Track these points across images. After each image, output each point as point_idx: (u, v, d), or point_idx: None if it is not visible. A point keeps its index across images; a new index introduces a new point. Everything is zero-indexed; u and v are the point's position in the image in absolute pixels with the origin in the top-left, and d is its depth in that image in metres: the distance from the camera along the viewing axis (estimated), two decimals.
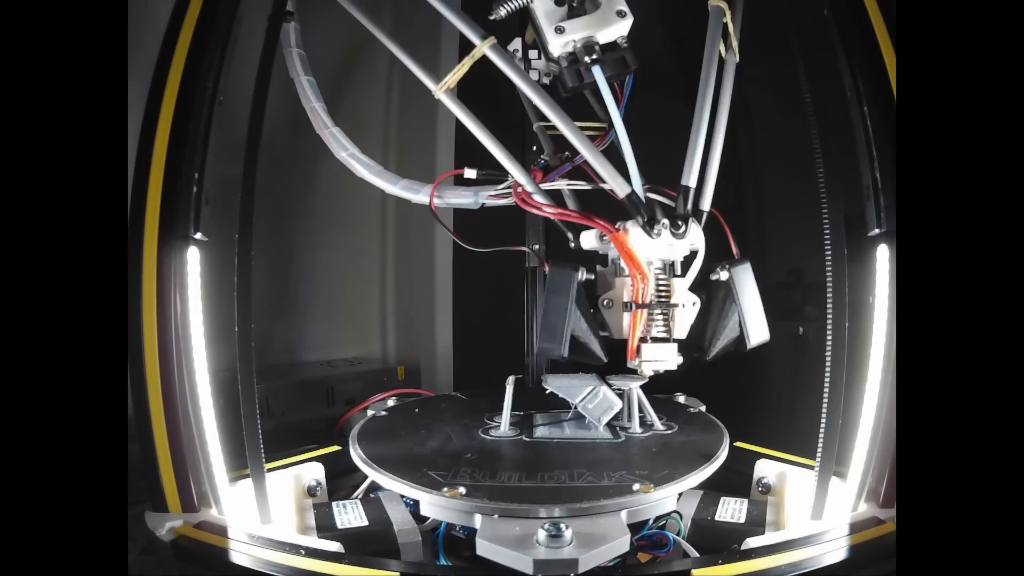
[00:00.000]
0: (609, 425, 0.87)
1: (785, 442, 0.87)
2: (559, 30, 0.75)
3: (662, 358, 0.75)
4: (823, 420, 0.70)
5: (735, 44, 0.79)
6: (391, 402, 1.05)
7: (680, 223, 0.74)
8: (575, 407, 0.86)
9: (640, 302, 0.74)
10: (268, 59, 0.78)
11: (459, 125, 0.82)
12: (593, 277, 0.79)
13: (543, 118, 0.84)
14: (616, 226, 0.76)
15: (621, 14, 0.75)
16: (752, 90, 1.30)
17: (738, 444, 0.88)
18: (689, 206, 0.75)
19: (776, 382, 1.27)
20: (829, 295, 0.69)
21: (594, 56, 0.74)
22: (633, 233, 0.74)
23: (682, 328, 0.77)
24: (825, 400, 0.70)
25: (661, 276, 0.77)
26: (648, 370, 0.76)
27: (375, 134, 1.41)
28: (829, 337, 0.69)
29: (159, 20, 0.80)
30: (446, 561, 0.73)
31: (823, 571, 0.61)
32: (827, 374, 0.69)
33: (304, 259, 1.37)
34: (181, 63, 0.77)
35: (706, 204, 0.77)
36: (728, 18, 0.77)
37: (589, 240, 0.80)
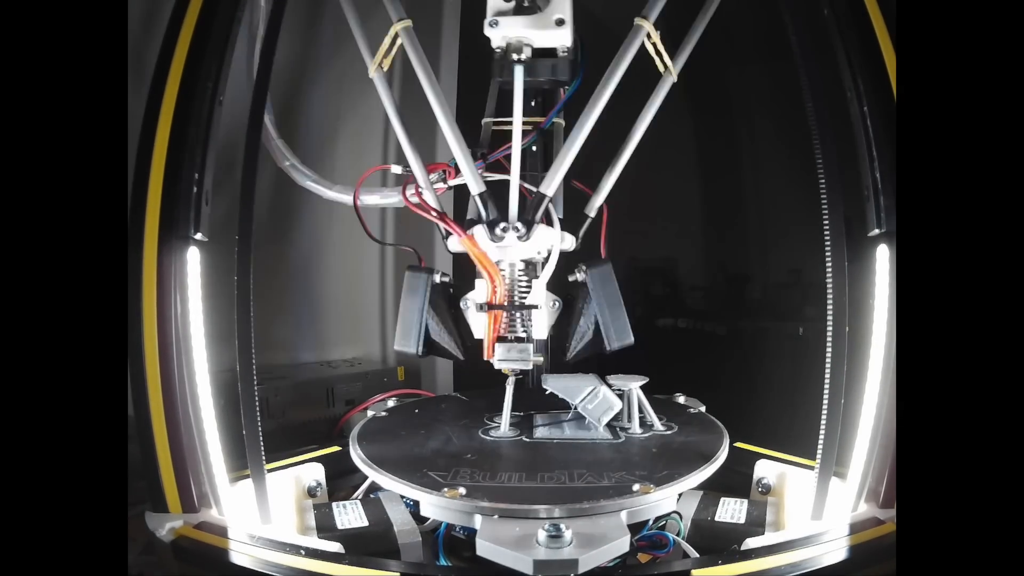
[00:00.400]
0: (609, 425, 0.87)
1: (785, 442, 0.87)
2: (493, 23, 0.75)
3: (517, 358, 0.78)
4: (823, 420, 0.70)
5: (669, 63, 0.79)
6: (391, 403, 1.05)
7: (520, 227, 0.75)
8: (575, 407, 0.86)
9: (493, 303, 0.77)
10: (268, 58, 0.78)
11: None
12: (448, 279, 0.81)
13: (497, 115, 0.86)
14: (468, 231, 0.77)
15: (559, 22, 0.75)
16: (752, 90, 1.30)
17: (738, 444, 0.88)
18: (539, 214, 0.76)
19: (776, 382, 1.27)
20: (829, 295, 0.69)
21: (520, 57, 0.74)
22: (478, 235, 0.76)
23: (540, 329, 0.79)
24: (825, 400, 0.70)
25: (523, 277, 0.78)
26: (503, 368, 0.79)
27: (375, 135, 1.41)
28: (829, 337, 0.69)
29: (159, 20, 0.80)
30: (446, 561, 0.73)
31: (823, 571, 0.61)
32: (827, 374, 0.69)
33: (304, 259, 1.37)
34: (181, 63, 0.77)
35: (592, 210, 0.80)
36: (656, 38, 0.76)
37: (454, 242, 0.81)
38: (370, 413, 0.99)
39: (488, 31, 0.75)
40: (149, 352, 0.72)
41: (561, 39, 0.76)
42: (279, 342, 1.34)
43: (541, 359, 0.79)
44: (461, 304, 0.80)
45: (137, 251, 0.73)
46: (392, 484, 0.73)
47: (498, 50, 0.77)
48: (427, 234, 1.37)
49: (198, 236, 0.75)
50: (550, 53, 0.77)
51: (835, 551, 0.64)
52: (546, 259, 0.79)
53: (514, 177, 0.75)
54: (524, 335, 0.79)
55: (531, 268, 0.79)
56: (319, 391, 1.24)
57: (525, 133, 0.81)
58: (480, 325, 0.79)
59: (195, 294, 0.74)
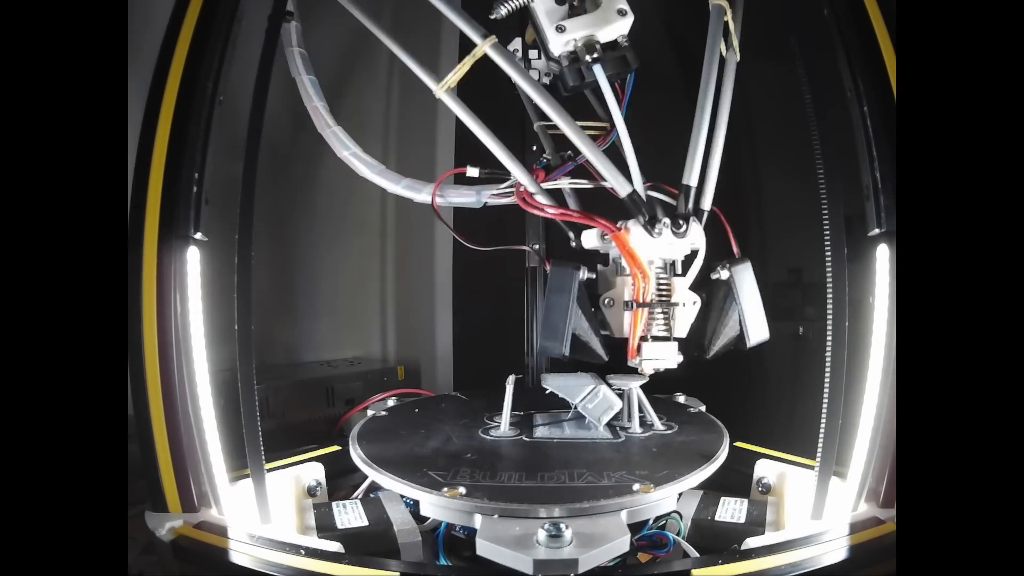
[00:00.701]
0: (609, 425, 0.87)
1: (785, 442, 0.87)
2: (560, 29, 0.75)
3: (662, 356, 0.76)
4: (823, 420, 0.70)
5: (736, 43, 0.79)
6: (391, 402, 1.05)
7: (681, 222, 0.74)
8: (575, 407, 0.86)
9: (641, 301, 0.75)
10: (268, 59, 0.78)
11: (459, 124, 0.82)
12: (594, 276, 0.79)
13: (543, 117, 0.84)
14: (617, 225, 0.76)
15: (622, 12, 0.75)
16: (752, 90, 1.30)
17: (738, 444, 0.88)
18: (690, 205, 0.75)
19: (776, 382, 1.27)
20: (829, 295, 0.69)
21: (595, 55, 0.74)
22: (634, 232, 0.75)
23: (682, 327, 0.77)
24: (825, 400, 0.70)
25: (662, 275, 0.77)
26: (649, 368, 0.76)
27: (375, 133, 1.42)
28: (829, 337, 0.69)
29: (159, 20, 0.80)
30: (446, 561, 0.73)
31: (823, 571, 0.61)
32: (827, 374, 0.69)
33: (304, 259, 1.37)
34: (181, 63, 0.77)
35: (707, 203, 0.77)
36: (729, 17, 0.77)
37: (590, 239, 0.80)
38: (370, 412, 0.99)
39: (553, 39, 0.75)
40: (149, 352, 0.72)
41: (623, 29, 0.76)
42: (279, 342, 1.34)
43: (682, 358, 0.77)
44: (602, 302, 0.78)
45: (137, 251, 0.73)
46: (392, 483, 0.73)
47: (563, 56, 0.76)
48: (426, 232, 1.38)
49: (198, 236, 0.75)
50: (611, 46, 0.76)
51: (835, 551, 0.64)
52: (689, 257, 0.78)
53: (635, 175, 0.75)
54: (666, 334, 0.77)
55: (667, 266, 0.78)
56: (319, 391, 1.24)
57: (595, 135, 0.81)
58: (626, 324, 0.77)
59: (195, 294, 0.74)
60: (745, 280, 0.76)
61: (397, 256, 1.46)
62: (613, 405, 0.84)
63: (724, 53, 0.78)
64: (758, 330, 0.76)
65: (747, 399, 1.20)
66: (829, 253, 0.69)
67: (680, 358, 0.77)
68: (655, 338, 0.76)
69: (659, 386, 0.90)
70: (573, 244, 0.83)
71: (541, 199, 0.81)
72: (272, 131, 0.97)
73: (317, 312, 1.39)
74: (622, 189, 0.75)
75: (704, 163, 0.76)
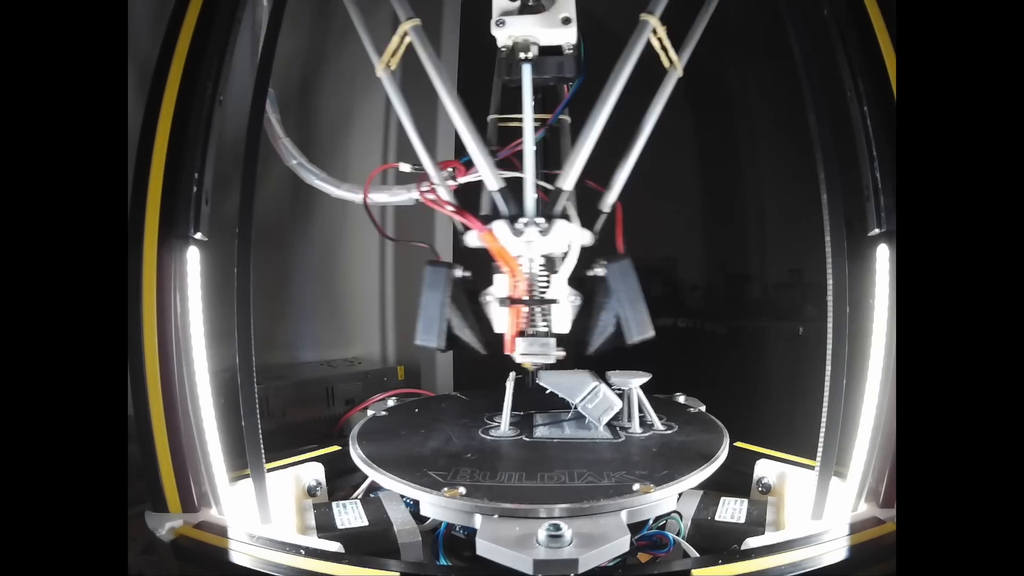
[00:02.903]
0: (609, 425, 0.87)
1: (785, 442, 0.87)
2: (500, 23, 0.75)
3: (539, 352, 0.78)
4: (823, 420, 0.70)
5: (675, 58, 0.79)
6: (391, 402, 1.05)
7: (543, 222, 0.76)
8: (575, 407, 0.86)
9: (514, 297, 0.77)
10: (268, 58, 0.78)
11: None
12: (469, 275, 0.81)
13: (502, 111, 0.87)
14: (488, 225, 0.77)
15: (566, 21, 0.76)
16: (753, 90, 1.30)
17: (738, 444, 0.88)
18: (560, 207, 0.77)
19: (776, 382, 1.27)
20: (829, 295, 0.69)
21: (527, 55, 0.74)
22: (498, 230, 0.76)
23: (561, 323, 0.79)
24: (825, 400, 0.70)
25: (543, 272, 0.79)
26: (526, 363, 0.79)
27: (374, 133, 1.42)
28: (829, 337, 0.69)
29: (159, 21, 0.80)
30: (446, 561, 0.73)
31: (823, 571, 0.61)
32: (827, 374, 0.69)
33: (304, 259, 1.37)
34: (181, 63, 0.77)
35: (607, 206, 0.79)
36: (661, 33, 0.77)
37: (472, 238, 0.81)
38: (370, 412, 0.99)
39: (495, 30, 0.75)
40: (149, 352, 0.72)
41: (567, 37, 0.76)
42: (279, 342, 1.34)
43: (563, 353, 0.79)
44: (481, 299, 0.80)
45: (137, 251, 0.73)
46: (392, 484, 0.73)
47: (503, 49, 0.77)
48: (426, 231, 1.38)
49: (198, 236, 0.75)
50: (555, 51, 0.78)
51: (835, 551, 0.64)
52: (565, 254, 0.79)
53: (528, 173, 0.75)
54: (546, 329, 0.79)
55: (550, 263, 0.79)
56: (319, 391, 1.24)
57: (534, 130, 0.81)
58: (502, 319, 0.79)
59: (195, 294, 0.74)
60: (623, 277, 0.77)
61: (397, 256, 1.46)
62: (613, 405, 0.84)
63: (667, 67, 0.79)
64: (640, 327, 0.77)
65: (747, 399, 1.20)
66: (829, 253, 0.69)
67: (560, 353, 0.78)
68: (536, 334, 0.78)
69: (659, 386, 0.90)
70: (466, 243, 0.83)
71: (442, 193, 0.82)
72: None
73: (317, 312, 1.39)
74: (491, 184, 0.76)
75: (616, 166, 0.79)
